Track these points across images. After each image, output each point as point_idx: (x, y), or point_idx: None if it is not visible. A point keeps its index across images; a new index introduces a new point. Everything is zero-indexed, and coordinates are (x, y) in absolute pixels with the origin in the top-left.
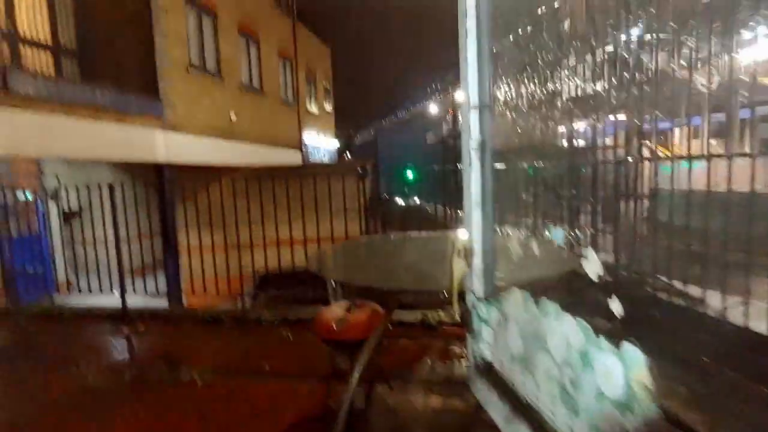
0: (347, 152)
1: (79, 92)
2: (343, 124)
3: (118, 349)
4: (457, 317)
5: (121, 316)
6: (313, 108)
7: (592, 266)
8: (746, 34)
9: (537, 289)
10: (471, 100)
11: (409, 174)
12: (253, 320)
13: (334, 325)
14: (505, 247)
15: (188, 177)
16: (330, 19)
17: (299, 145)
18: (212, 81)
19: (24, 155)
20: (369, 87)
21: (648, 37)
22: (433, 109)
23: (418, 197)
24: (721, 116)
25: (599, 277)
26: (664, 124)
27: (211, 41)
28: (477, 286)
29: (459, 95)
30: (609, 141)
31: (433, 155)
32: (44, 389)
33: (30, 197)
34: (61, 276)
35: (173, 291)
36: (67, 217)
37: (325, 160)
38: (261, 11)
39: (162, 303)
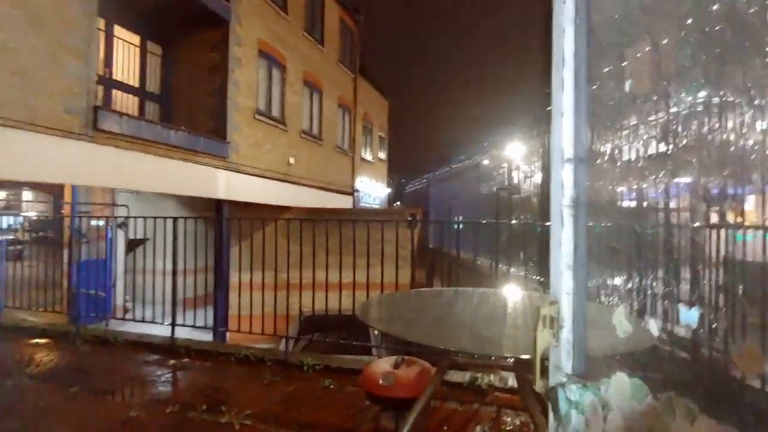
0: (398, 200)
1: (156, 132)
2: (396, 172)
3: (163, 381)
4: (537, 389)
5: (169, 348)
6: (368, 156)
7: (750, 363)
8: None
9: (651, 378)
10: (565, 153)
11: (460, 225)
12: (295, 364)
13: (381, 381)
14: (605, 321)
15: (244, 216)
16: (391, 74)
17: (351, 191)
18: (275, 127)
19: (102, 185)
20: (423, 139)
21: (721, 99)
22: (485, 162)
23: (469, 250)
24: None
25: (754, 374)
26: (735, 191)
27: (278, 91)
28: (565, 362)
29: (512, 149)
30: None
31: (485, 208)
32: (91, 416)
33: (102, 224)
34: (119, 301)
35: (219, 326)
36: (132, 245)
37: (376, 206)
38: (326, 64)
39: (207, 336)
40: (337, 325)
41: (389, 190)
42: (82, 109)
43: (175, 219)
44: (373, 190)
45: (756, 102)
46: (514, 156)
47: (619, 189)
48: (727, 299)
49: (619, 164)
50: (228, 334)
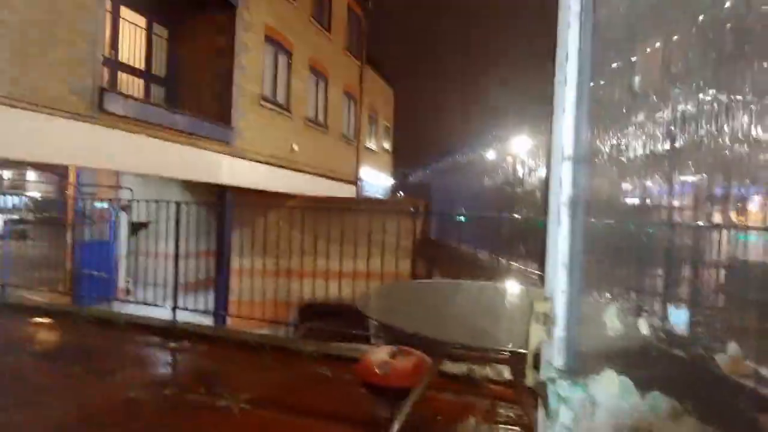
0: (401, 191)
1: (162, 115)
2: (400, 163)
3: (163, 363)
4: (528, 383)
5: (170, 331)
6: (372, 145)
7: (734, 364)
8: None
9: (639, 376)
10: (565, 150)
11: (462, 218)
12: (293, 350)
13: (377, 370)
14: (598, 319)
15: (247, 202)
16: (397, 63)
17: (355, 180)
18: (280, 113)
19: (106, 167)
20: (428, 129)
21: (729, 98)
22: (490, 154)
23: (470, 242)
24: None
25: (738, 377)
26: (738, 191)
27: (283, 77)
28: (557, 358)
29: (518, 143)
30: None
31: (488, 201)
32: (90, 396)
33: (106, 206)
34: (121, 283)
35: (219, 310)
36: (135, 228)
37: (379, 196)
38: (332, 52)
39: (207, 320)
40: (336, 313)
41: (393, 181)
42: (87, 90)
43: (178, 203)
44: (376, 179)
45: (759, 104)
46: (519, 150)
47: (620, 187)
48: (727, 300)
49: (620, 162)
50: (228, 319)
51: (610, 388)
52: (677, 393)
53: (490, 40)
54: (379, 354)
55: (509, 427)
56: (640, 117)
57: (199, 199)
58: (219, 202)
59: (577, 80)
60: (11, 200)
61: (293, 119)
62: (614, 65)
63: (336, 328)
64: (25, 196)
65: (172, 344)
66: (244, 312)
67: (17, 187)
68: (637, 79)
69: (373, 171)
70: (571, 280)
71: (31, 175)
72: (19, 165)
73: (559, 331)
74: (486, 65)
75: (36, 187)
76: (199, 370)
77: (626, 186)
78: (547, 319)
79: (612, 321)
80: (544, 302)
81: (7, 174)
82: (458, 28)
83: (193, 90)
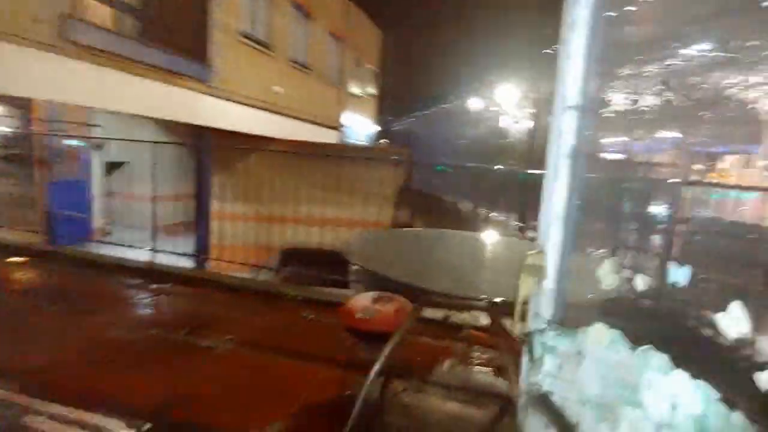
0: (385, 138)
1: (134, 49)
2: (385, 109)
3: (144, 304)
4: (514, 332)
5: (150, 273)
6: (356, 90)
7: (735, 324)
8: None
9: (632, 331)
10: (568, 99)
11: (445, 168)
12: (275, 294)
13: (360, 314)
14: (592, 274)
15: (227, 144)
16: (388, 4)
17: (337, 125)
18: (261, 52)
19: (74, 102)
20: (416, 76)
21: (714, 54)
22: (477, 104)
23: (452, 193)
24: None
25: (739, 340)
26: (716, 149)
27: (264, 11)
28: (546, 309)
29: (504, 93)
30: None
31: (473, 152)
32: (71, 334)
33: (76, 144)
34: (97, 223)
35: (200, 254)
36: (110, 168)
37: (362, 142)
38: None
39: (187, 264)
40: (317, 259)
41: (377, 127)
42: (50, 18)
43: (154, 143)
44: (360, 125)
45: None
46: (506, 100)
47: (615, 140)
48: (724, 260)
49: (622, 114)
50: (209, 263)
51: (598, 339)
52: (671, 349)
53: None
54: (361, 299)
55: (484, 368)
56: (630, 70)
57: (176, 139)
58: (198, 144)
59: (590, 22)
60: None
61: (275, 58)
62: (624, 9)
63: (316, 273)
64: None
65: (153, 286)
66: (225, 256)
67: None
68: (631, 30)
69: (357, 117)
70: (565, 234)
71: None
72: None
73: (550, 283)
74: (481, 7)
75: (1, 121)
76: (180, 311)
77: (619, 140)
78: (538, 271)
79: (606, 276)
80: (536, 254)
81: None
82: None
83: (168, 23)
